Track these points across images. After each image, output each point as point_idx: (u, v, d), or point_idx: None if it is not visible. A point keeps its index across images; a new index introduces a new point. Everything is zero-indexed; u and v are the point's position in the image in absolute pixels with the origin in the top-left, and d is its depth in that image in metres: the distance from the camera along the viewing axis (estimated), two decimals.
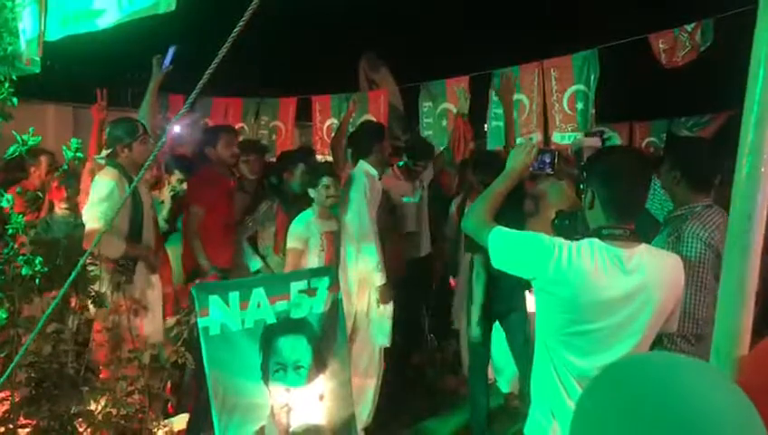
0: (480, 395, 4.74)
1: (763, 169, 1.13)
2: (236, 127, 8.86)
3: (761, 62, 1.13)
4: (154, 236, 4.39)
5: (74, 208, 4.64)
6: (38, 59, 2.77)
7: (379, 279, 4.66)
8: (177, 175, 5.42)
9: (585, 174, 2.50)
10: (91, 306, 3.32)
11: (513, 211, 4.26)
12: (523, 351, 4.59)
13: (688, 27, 6.05)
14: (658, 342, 2.57)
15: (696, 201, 2.95)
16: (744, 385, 1.01)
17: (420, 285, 5.86)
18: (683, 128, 9.64)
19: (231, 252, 4.89)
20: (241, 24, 1.77)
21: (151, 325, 3.96)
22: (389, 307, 4.74)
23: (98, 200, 3.88)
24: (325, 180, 4.56)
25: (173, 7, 2.46)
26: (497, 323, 4.81)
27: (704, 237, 2.80)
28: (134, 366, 3.46)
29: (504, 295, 4.58)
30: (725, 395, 0.97)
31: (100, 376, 3.43)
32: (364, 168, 4.85)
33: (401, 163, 5.88)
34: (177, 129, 5.87)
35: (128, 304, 3.60)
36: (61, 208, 4.71)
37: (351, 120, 8.27)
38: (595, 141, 2.98)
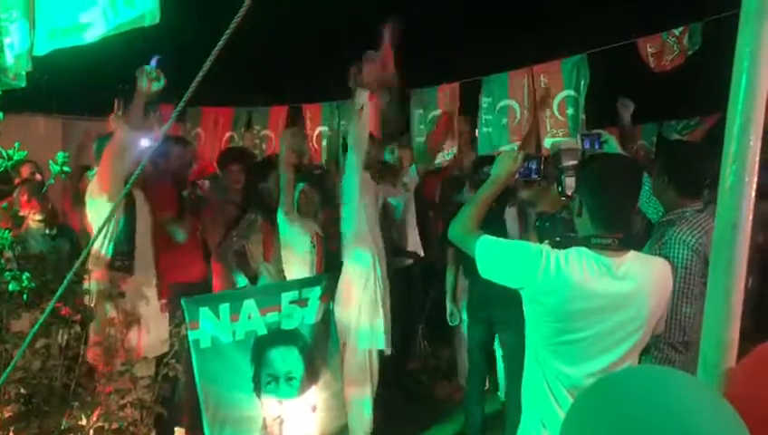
0: (473, 404, 4.70)
1: (747, 179, 1.12)
2: (225, 136, 8.88)
3: (742, 72, 1.13)
4: (153, 245, 4.24)
5: (48, 221, 4.59)
6: (24, 74, 2.76)
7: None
8: None
9: (574, 181, 2.49)
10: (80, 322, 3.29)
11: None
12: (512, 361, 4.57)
13: (676, 31, 6.07)
14: (645, 350, 2.56)
15: (685, 206, 2.93)
16: (732, 398, 1.01)
17: (411, 292, 5.83)
18: (673, 131, 9.68)
19: (199, 266, 4.79)
20: (228, 31, 1.76)
21: (148, 338, 3.87)
22: (381, 311, 4.67)
23: (98, 218, 3.81)
24: (301, 186, 4.57)
25: (157, 20, 2.45)
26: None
27: (690, 243, 2.78)
28: (126, 379, 3.44)
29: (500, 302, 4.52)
30: (713, 409, 0.96)
31: (92, 390, 3.40)
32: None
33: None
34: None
35: (119, 317, 3.57)
36: (34, 221, 4.63)
37: (342, 127, 8.31)
38: (573, 144, 2.97)
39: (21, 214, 4.46)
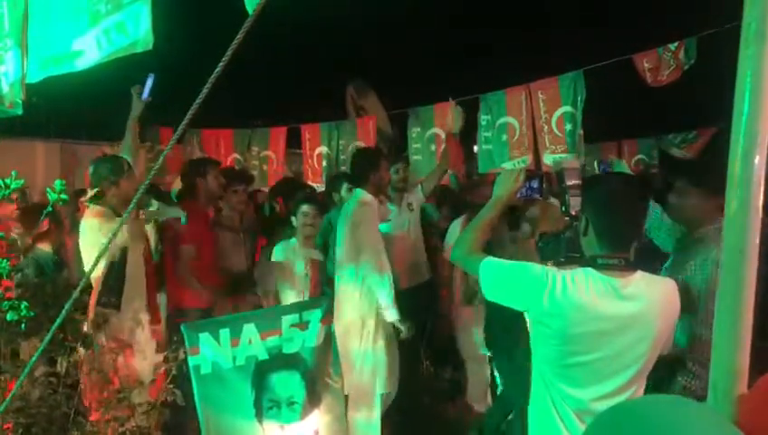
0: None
1: (752, 204, 1.11)
2: (231, 158, 8.92)
3: (744, 95, 1.11)
4: (145, 272, 4.22)
5: (57, 245, 4.59)
6: (20, 101, 2.76)
7: (389, 315, 4.39)
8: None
9: (579, 200, 2.47)
10: (80, 348, 3.25)
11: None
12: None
13: (672, 46, 6.10)
14: (673, 374, 2.51)
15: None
16: (744, 426, 0.99)
17: (417, 314, 5.74)
18: (671, 145, 9.70)
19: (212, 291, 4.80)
20: (228, 53, 1.76)
21: (143, 364, 3.85)
22: (384, 349, 4.53)
23: (90, 245, 3.80)
24: (304, 208, 4.57)
25: (150, 46, 2.47)
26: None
27: None
28: (124, 407, 3.40)
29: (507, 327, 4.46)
30: None
31: (90, 418, 3.36)
32: (360, 197, 4.60)
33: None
34: None
35: (110, 344, 3.54)
36: (43, 245, 4.63)
37: (341, 147, 8.32)
38: (574, 163, 2.96)
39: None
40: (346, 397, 4.33)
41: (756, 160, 1.10)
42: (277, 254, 4.65)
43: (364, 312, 4.44)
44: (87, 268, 3.68)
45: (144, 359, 3.70)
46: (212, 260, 4.82)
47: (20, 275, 3.05)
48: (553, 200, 4.53)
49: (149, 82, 4.24)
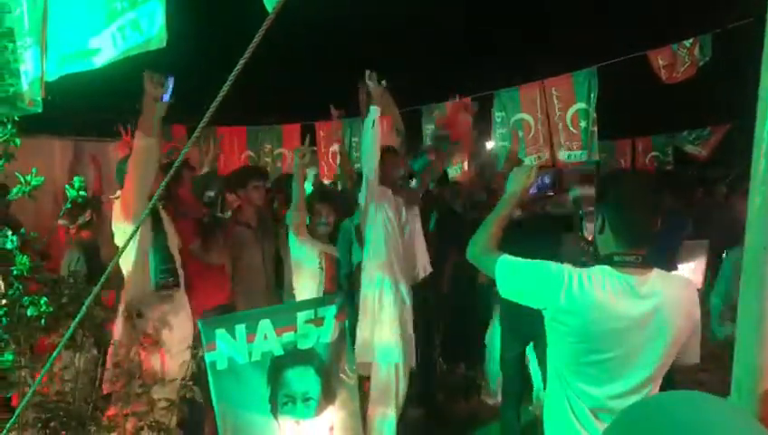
0: (509, 429, 4.61)
1: None
2: (244, 155, 8.92)
3: None
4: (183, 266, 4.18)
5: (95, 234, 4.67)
6: (40, 99, 2.78)
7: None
8: None
9: (596, 198, 2.46)
10: (94, 345, 3.28)
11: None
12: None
13: (687, 43, 6.07)
14: None
15: None
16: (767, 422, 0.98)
17: (425, 310, 5.71)
18: (685, 142, 9.66)
19: (226, 290, 4.80)
20: (249, 50, 1.76)
21: (171, 361, 3.85)
22: (400, 328, 4.59)
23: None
24: (317, 207, 4.60)
25: (164, 43, 2.48)
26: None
27: None
28: (143, 402, 3.42)
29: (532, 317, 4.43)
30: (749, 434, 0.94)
31: (107, 414, 3.39)
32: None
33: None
34: None
35: (139, 337, 3.55)
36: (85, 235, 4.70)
37: (354, 145, 8.32)
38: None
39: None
40: (364, 393, 4.36)
41: None
42: (290, 242, 4.65)
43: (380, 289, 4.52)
44: (123, 263, 3.71)
45: (173, 357, 3.70)
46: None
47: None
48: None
49: (170, 84, 4.24)
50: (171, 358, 3.87)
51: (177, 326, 3.91)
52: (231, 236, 4.97)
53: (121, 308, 3.67)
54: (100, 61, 2.64)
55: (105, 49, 2.58)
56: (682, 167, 9.98)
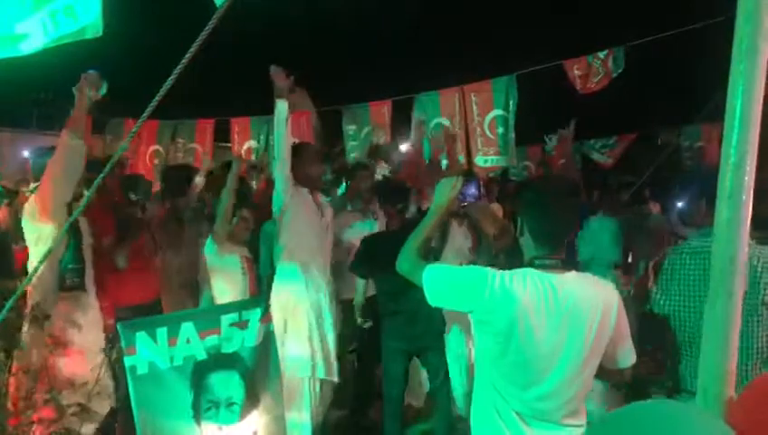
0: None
1: (743, 213, 1.14)
2: (152, 149, 8.61)
3: (736, 109, 1.15)
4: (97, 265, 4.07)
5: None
6: None
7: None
8: None
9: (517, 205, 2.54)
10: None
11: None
12: (441, 387, 4.59)
13: (601, 54, 6.31)
14: None
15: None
16: (735, 427, 1.01)
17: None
18: (592, 150, 10.04)
19: (152, 287, 4.67)
20: (195, 46, 1.70)
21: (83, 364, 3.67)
22: (312, 340, 4.54)
23: (35, 241, 3.59)
24: (245, 213, 4.65)
25: (100, 33, 2.36)
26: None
27: None
28: (51, 408, 3.25)
29: (417, 333, 4.47)
30: None
31: (10, 422, 3.19)
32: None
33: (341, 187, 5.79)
34: None
35: (46, 340, 3.37)
36: None
37: (271, 142, 8.18)
38: None
39: None
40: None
41: (747, 172, 1.14)
42: (209, 250, 4.56)
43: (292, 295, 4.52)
44: (32, 259, 3.54)
45: (82, 359, 3.53)
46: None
47: None
48: (494, 205, 4.62)
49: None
50: (82, 361, 3.70)
51: (87, 328, 3.75)
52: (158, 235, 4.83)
53: (27, 309, 3.47)
54: (27, 47, 2.47)
55: (34, 35, 2.41)
56: (587, 174, 10.36)
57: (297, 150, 4.81)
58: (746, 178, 1.15)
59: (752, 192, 1.15)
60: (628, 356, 2.43)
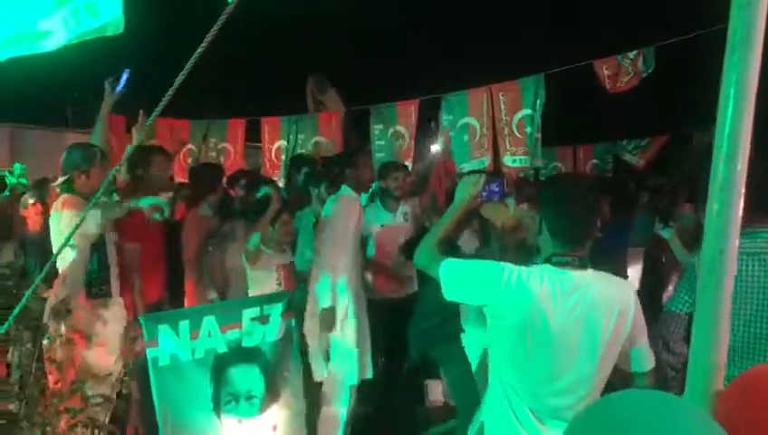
0: None
1: (734, 206, 1.14)
2: (185, 149, 8.71)
3: (729, 100, 1.15)
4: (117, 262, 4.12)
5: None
6: None
7: (324, 301, 4.41)
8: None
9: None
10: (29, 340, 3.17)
11: None
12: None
13: (631, 54, 6.24)
14: None
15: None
16: (722, 422, 1.01)
17: (396, 327, 5.24)
18: (625, 151, 9.92)
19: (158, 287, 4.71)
20: (204, 43, 1.73)
21: (106, 357, 3.76)
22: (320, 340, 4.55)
23: (62, 233, 3.66)
24: (284, 217, 4.52)
25: (121, 30, 2.41)
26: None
27: None
28: (76, 398, 3.32)
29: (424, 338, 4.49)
30: (706, 432, 0.97)
31: (40, 410, 3.27)
32: (343, 192, 4.69)
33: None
34: None
35: (70, 334, 3.45)
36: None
37: (300, 142, 8.25)
38: None
39: None
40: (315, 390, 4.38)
41: (739, 164, 1.13)
42: (245, 262, 4.54)
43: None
44: (60, 259, 3.59)
45: (108, 352, 3.60)
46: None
47: None
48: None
49: (125, 75, 4.19)
50: (106, 353, 3.79)
51: (111, 322, 3.85)
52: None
53: (53, 302, 3.56)
54: (50, 45, 2.53)
55: (56, 32, 2.48)
56: (621, 175, 10.24)
57: (352, 157, 4.92)
58: (738, 169, 1.14)
59: (744, 185, 1.14)
60: (644, 359, 2.41)
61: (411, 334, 4.53)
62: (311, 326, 4.45)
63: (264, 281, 4.46)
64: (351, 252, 4.55)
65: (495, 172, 6.32)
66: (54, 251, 3.66)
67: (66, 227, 3.62)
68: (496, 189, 2.92)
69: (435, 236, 2.59)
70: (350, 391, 4.57)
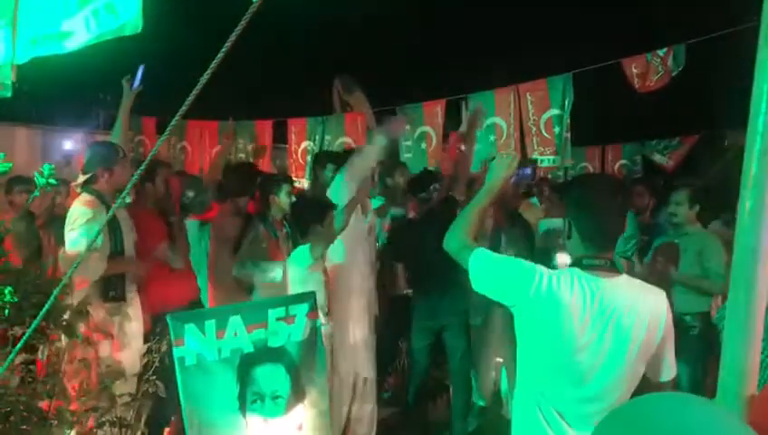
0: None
1: (766, 203, 1.10)
2: (215, 150, 8.79)
3: (763, 95, 1.11)
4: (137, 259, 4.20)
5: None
6: (9, 83, 2.70)
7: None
8: None
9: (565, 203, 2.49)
10: (62, 336, 3.20)
11: None
12: (460, 366, 4.83)
13: (660, 52, 6.15)
14: None
15: None
16: (754, 426, 0.98)
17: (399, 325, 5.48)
18: (654, 151, 9.80)
19: (190, 289, 4.76)
20: (228, 43, 1.72)
21: (129, 355, 3.82)
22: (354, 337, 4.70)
23: (77, 226, 3.74)
24: (332, 213, 4.42)
25: (139, 29, 2.42)
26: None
27: None
28: (104, 397, 3.36)
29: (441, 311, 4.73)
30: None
31: (70, 408, 3.31)
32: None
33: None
34: None
35: (90, 333, 3.49)
36: None
37: (326, 142, 8.28)
38: None
39: None
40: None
41: None
42: (300, 263, 4.44)
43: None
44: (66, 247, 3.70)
45: (130, 350, 3.65)
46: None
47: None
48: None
49: (140, 72, 4.23)
50: (130, 353, 3.87)
51: (132, 320, 3.97)
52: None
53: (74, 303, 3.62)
54: (71, 45, 2.56)
55: (78, 32, 2.51)
56: (649, 176, 10.11)
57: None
58: None
59: None
60: (670, 368, 2.35)
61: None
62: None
63: (311, 286, 4.27)
64: (359, 257, 4.73)
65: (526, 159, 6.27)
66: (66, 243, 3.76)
67: (74, 224, 3.70)
68: (528, 172, 2.89)
69: (466, 221, 2.52)
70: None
